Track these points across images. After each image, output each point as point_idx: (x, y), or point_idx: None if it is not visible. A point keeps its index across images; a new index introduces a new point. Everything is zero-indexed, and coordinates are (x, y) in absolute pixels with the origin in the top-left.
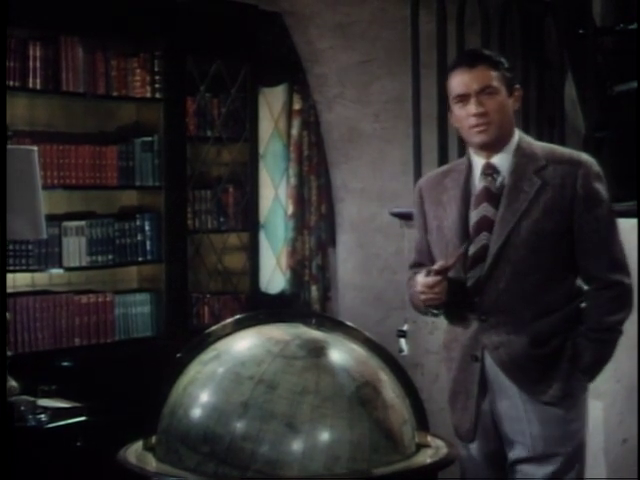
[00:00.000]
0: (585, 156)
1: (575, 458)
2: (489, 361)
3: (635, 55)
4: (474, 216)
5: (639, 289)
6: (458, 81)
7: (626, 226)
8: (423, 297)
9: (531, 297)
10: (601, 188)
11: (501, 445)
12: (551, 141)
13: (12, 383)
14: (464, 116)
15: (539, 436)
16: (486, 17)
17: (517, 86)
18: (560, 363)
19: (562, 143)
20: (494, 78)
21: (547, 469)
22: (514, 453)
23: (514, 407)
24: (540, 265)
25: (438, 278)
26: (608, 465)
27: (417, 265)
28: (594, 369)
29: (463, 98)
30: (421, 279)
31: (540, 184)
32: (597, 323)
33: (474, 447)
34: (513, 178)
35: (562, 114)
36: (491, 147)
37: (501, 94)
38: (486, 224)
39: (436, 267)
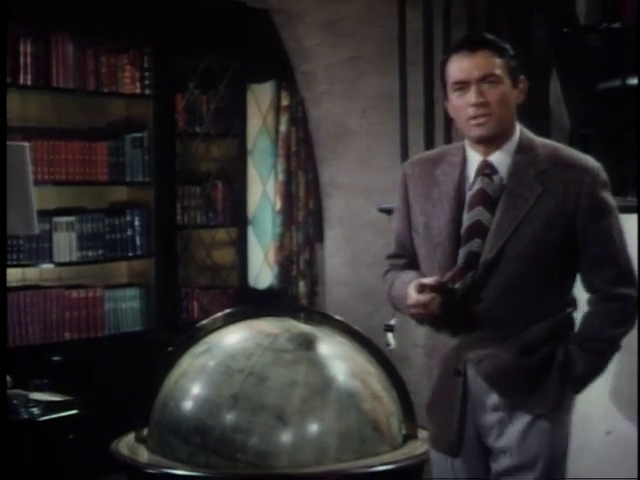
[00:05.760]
0: (592, 161)
1: (557, 462)
2: (472, 375)
3: (619, 53)
4: (467, 220)
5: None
6: (457, 66)
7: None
8: (414, 311)
9: (522, 310)
10: (608, 197)
11: (485, 458)
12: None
13: None
14: (462, 106)
15: (524, 446)
16: (472, 14)
17: (522, 77)
18: (550, 372)
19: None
20: (497, 65)
21: (529, 477)
22: (498, 464)
23: (499, 419)
24: (535, 278)
25: (433, 295)
26: (592, 457)
27: (396, 256)
28: (584, 380)
29: (462, 85)
30: (414, 295)
31: (541, 190)
32: (597, 332)
33: (457, 461)
34: (512, 182)
35: (547, 110)
36: (490, 142)
37: (504, 84)
38: (479, 230)
39: (432, 282)
